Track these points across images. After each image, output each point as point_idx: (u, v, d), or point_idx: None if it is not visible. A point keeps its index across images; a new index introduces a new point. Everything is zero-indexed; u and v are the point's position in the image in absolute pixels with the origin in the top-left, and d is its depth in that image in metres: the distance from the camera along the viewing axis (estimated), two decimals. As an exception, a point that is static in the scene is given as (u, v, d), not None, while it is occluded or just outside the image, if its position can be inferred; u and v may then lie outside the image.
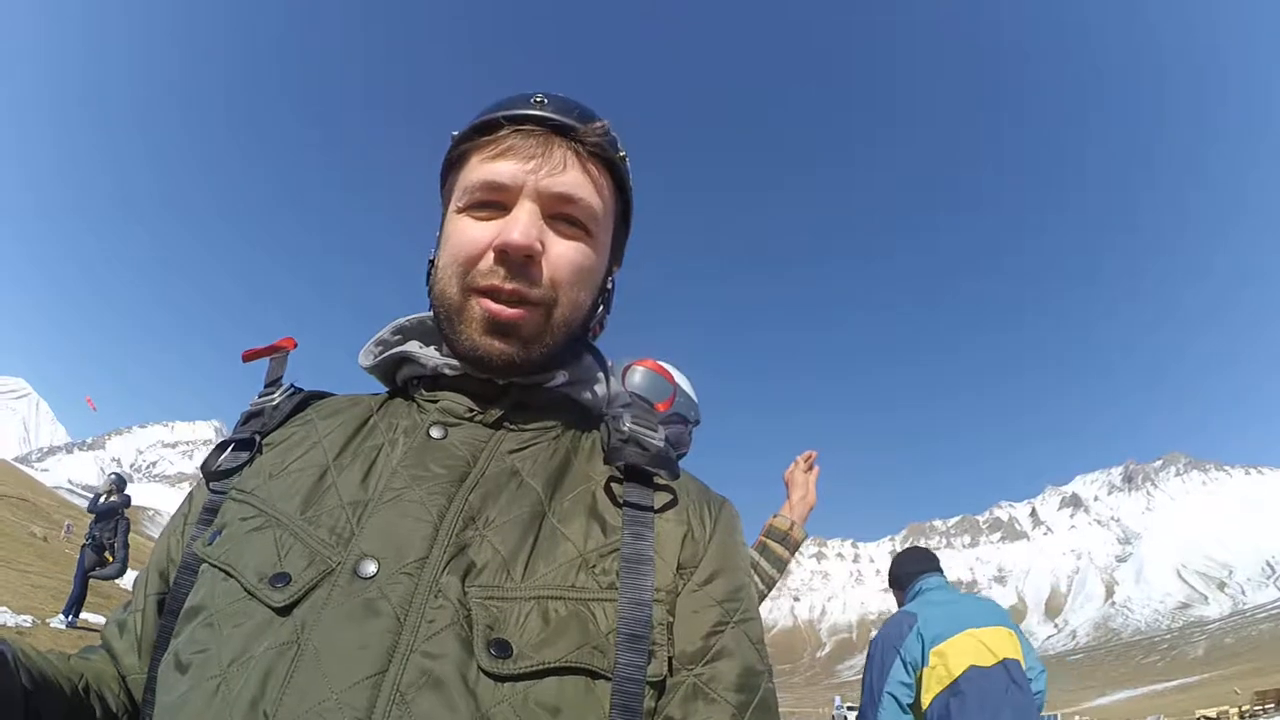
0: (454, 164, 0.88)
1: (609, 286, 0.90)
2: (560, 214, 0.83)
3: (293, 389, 0.94)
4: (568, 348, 0.86)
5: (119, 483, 11.89)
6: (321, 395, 0.95)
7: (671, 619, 0.75)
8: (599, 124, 0.86)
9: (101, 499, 11.61)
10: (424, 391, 0.87)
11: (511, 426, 0.85)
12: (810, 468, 2.41)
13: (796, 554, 2.27)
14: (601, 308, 0.89)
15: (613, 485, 0.81)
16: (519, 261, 0.79)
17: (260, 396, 0.93)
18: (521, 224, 0.79)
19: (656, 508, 0.80)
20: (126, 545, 11.34)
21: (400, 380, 0.90)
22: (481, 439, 0.83)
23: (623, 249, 0.96)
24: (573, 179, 0.83)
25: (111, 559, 11.12)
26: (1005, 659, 2.13)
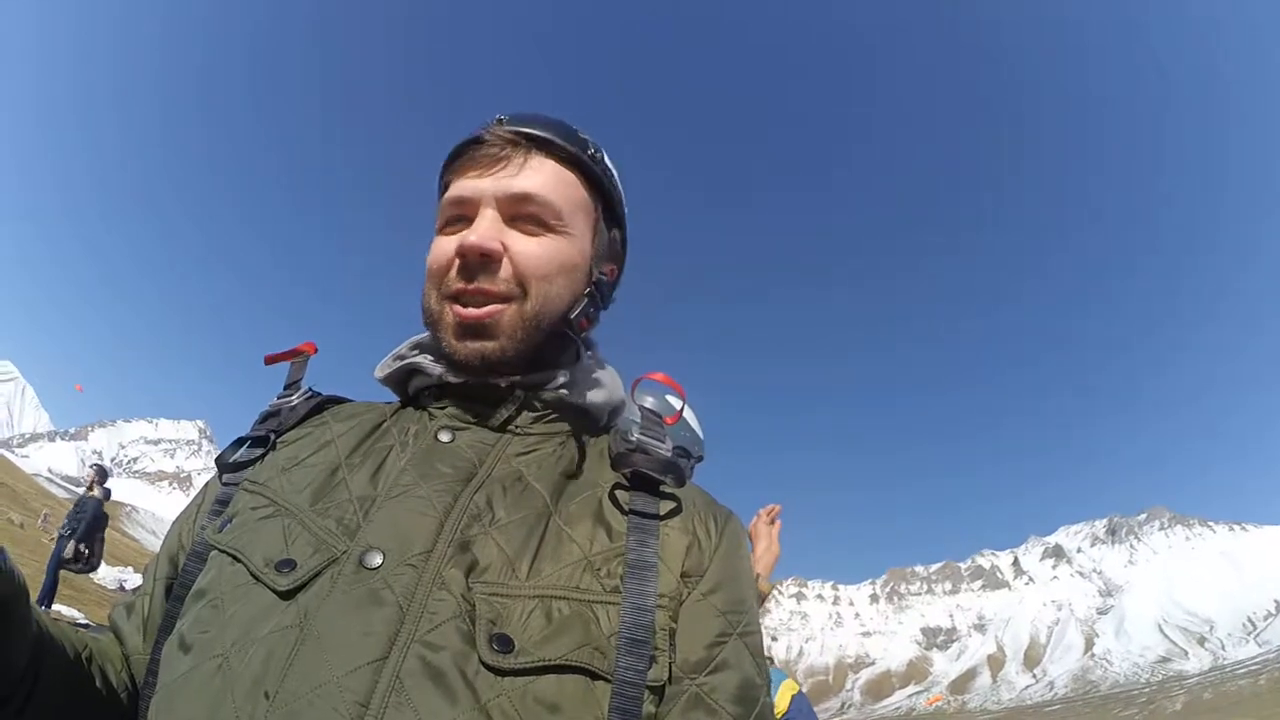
0: (439, 194, 0.93)
1: (596, 281, 0.91)
2: (521, 214, 0.87)
3: (311, 392, 0.96)
4: (559, 346, 0.89)
5: (101, 474, 11.45)
6: (339, 400, 0.98)
7: (674, 625, 0.75)
8: (558, 124, 0.91)
9: (84, 490, 11.21)
10: (433, 399, 0.90)
11: (518, 431, 0.87)
12: (773, 521, 2.44)
13: (768, 601, 2.33)
14: (588, 302, 0.89)
15: (619, 492, 0.83)
16: (477, 263, 0.84)
17: (279, 397, 0.96)
18: (478, 228, 0.85)
19: (661, 515, 0.81)
20: (102, 540, 10.86)
21: (411, 391, 0.94)
22: (488, 443, 0.85)
23: (617, 246, 0.98)
24: (528, 178, 0.87)
25: (86, 551, 10.68)
26: (795, 693, 2.58)
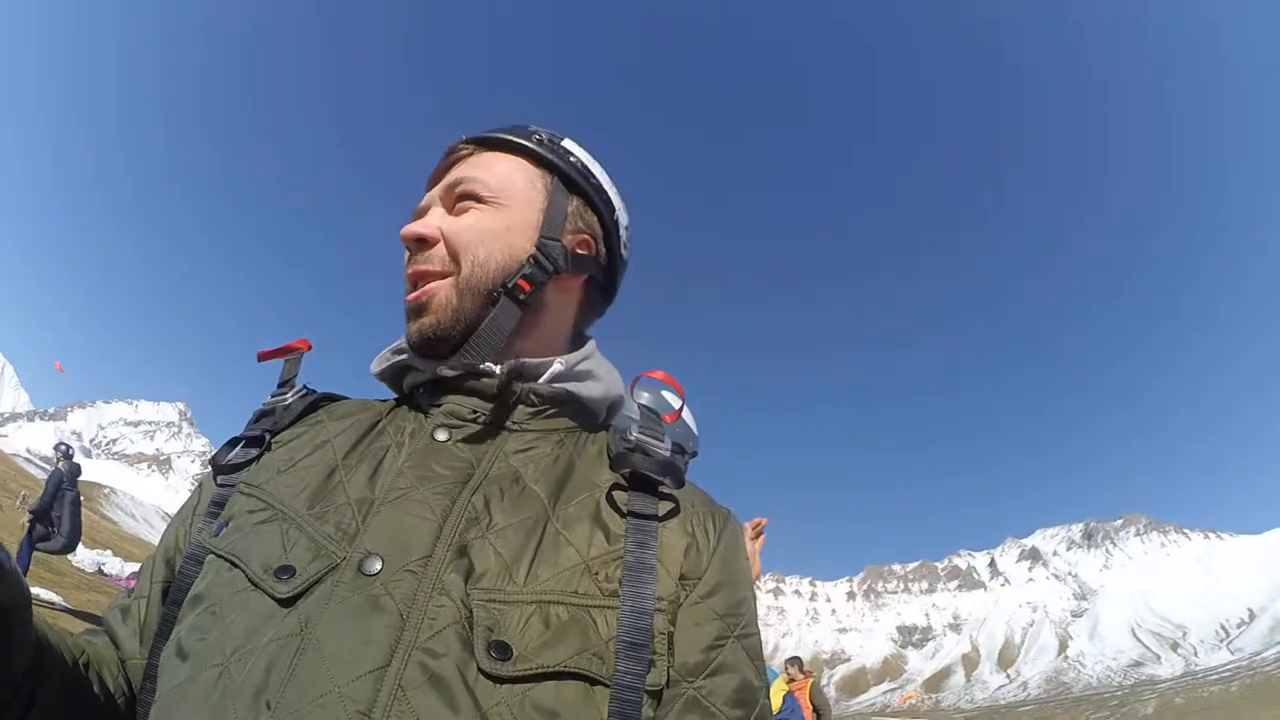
0: None
1: (540, 245, 0.90)
2: (457, 198, 0.91)
3: (305, 390, 0.95)
4: (510, 316, 0.87)
5: (67, 451, 11.32)
6: (334, 398, 0.97)
7: (673, 629, 0.75)
8: (509, 126, 0.96)
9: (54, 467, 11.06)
10: (429, 396, 0.89)
11: (514, 427, 0.86)
12: (757, 535, 2.36)
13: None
14: (529, 265, 0.88)
15: (616, 493, 0.82)
16: (414, 247, 0.89)
17: (273, 396, 0.94)
18: (418, 220, 0.91)
19: (660, 516, 0.80)
20: (77, 519, 10.78)
21: (407, 387, 0.92)
22: (485, 440, 0.84)
23: (586, 217, 0.96)
24: (461, 169, 0.92)
25: (55, 531, 10.58)
26: (787, 692, 2.83)
